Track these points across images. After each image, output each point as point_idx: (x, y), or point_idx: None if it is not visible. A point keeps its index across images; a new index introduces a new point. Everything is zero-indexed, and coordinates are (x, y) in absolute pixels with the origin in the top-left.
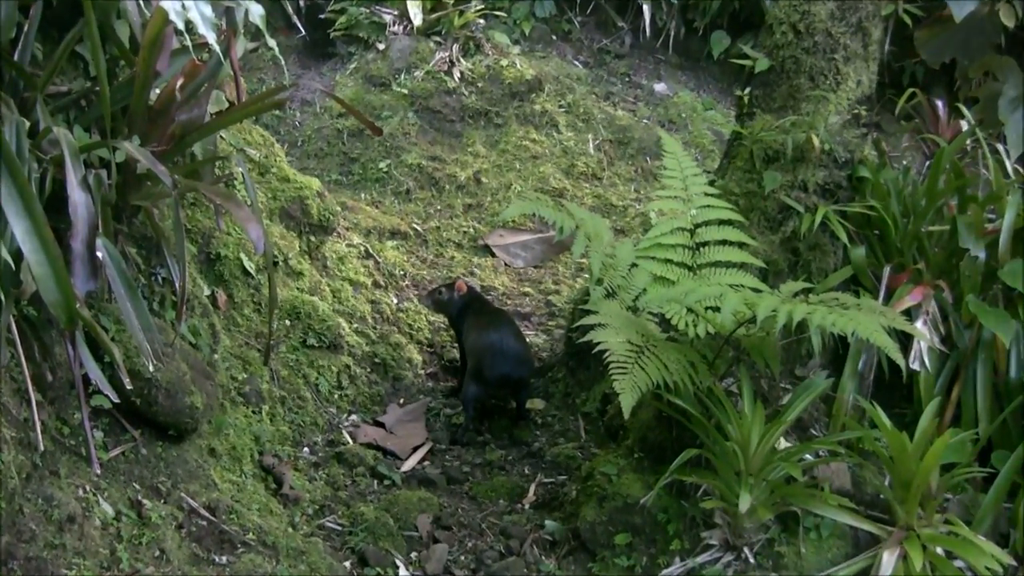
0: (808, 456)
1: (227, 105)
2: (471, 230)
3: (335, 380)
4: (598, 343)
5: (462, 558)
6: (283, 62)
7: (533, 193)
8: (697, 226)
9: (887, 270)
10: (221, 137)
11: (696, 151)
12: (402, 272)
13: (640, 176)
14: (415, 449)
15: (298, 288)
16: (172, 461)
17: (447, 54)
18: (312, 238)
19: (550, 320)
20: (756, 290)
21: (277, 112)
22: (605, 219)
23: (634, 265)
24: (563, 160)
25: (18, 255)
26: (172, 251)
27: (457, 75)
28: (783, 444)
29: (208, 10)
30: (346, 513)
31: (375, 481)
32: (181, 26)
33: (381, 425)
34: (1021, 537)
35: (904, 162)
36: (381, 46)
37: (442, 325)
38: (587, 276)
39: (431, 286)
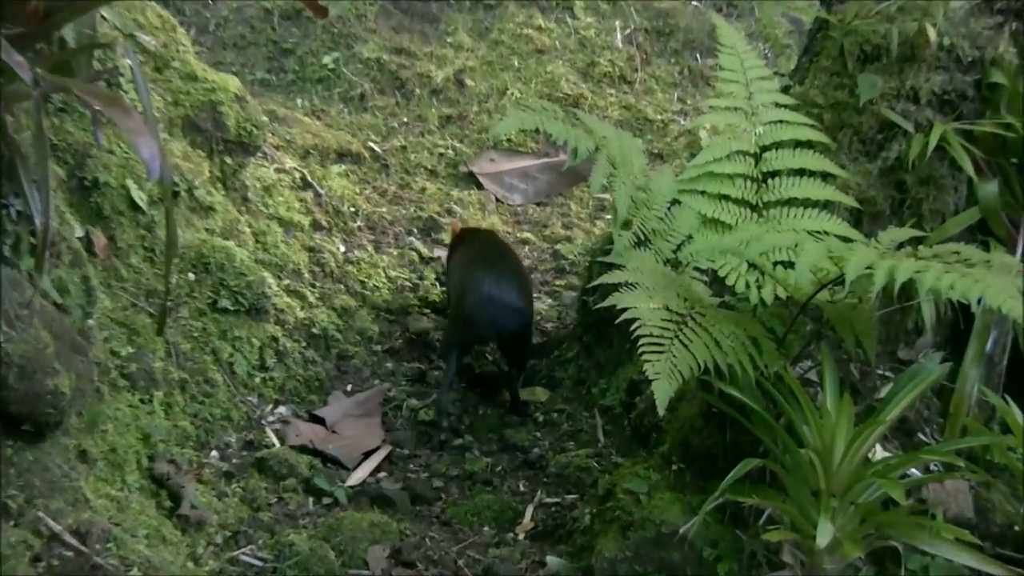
0: (915, 471)
1: None
2: (450, 152)
3: (257, 358)
4: (623, 310)
5: None
6: None
7: (537, 102)
8: (764, 149)
9: None
10: (103, 17)
11: (765, 46)
12: (353, 209)
13: (686, 80)
14: (367, 455)
15: (207, 229)
16: (26, 467)
17: None
18: (228, 160)
19: (558, 278)
20: (845, 239)
21: None
22: (637, 139)
23: (676, 203)
24: (580, 56)
25: None
26: (31, 175)
27: None
28: (879, 453)
29: None
30: (269, 543)
31: (310, 499)
32: None
33: (320, 421)
34: None
35: None
36: None
37: (407, 283)
38: (610, 218)
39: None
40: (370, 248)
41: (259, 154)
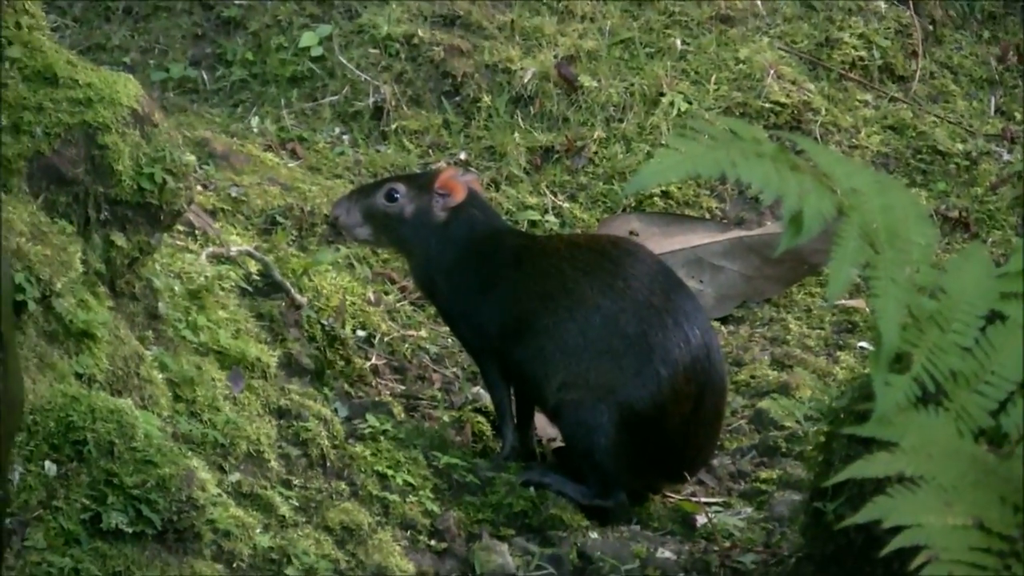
0: None
1: None
2: (551, 217)
3: None
4: (895, 531)
5: None
6: None
7: (721, 120)
8: None
9: None
10: None
11: None
12: (363, 331)
13: (1013, 73)
14: None
15: (80, 375)
16: None
17: None
18: (119, 239)
19: (763, 466)
20: None
21: None
22: (916, 191)
23: (996, 318)
24: (803, 29)
25: None
26: None
27: None
28: None
29: None
30: None
31: None
32: None
33: None
34: None
35: None
36: None
37: (471, 479)
38: (864, 347)
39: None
40: (397, 409)
41: (178, 227)
